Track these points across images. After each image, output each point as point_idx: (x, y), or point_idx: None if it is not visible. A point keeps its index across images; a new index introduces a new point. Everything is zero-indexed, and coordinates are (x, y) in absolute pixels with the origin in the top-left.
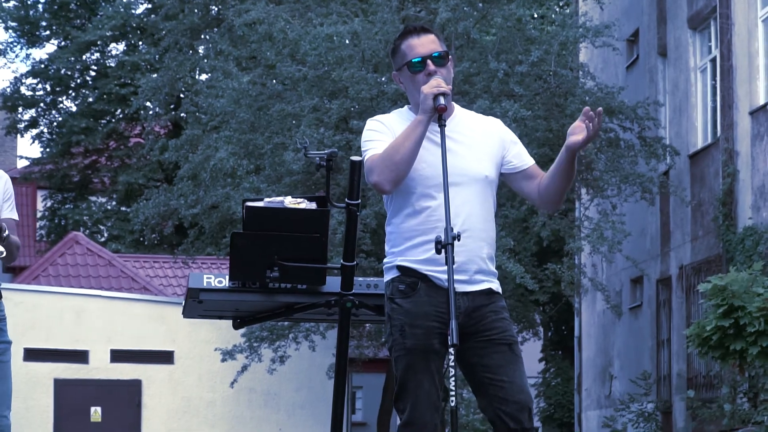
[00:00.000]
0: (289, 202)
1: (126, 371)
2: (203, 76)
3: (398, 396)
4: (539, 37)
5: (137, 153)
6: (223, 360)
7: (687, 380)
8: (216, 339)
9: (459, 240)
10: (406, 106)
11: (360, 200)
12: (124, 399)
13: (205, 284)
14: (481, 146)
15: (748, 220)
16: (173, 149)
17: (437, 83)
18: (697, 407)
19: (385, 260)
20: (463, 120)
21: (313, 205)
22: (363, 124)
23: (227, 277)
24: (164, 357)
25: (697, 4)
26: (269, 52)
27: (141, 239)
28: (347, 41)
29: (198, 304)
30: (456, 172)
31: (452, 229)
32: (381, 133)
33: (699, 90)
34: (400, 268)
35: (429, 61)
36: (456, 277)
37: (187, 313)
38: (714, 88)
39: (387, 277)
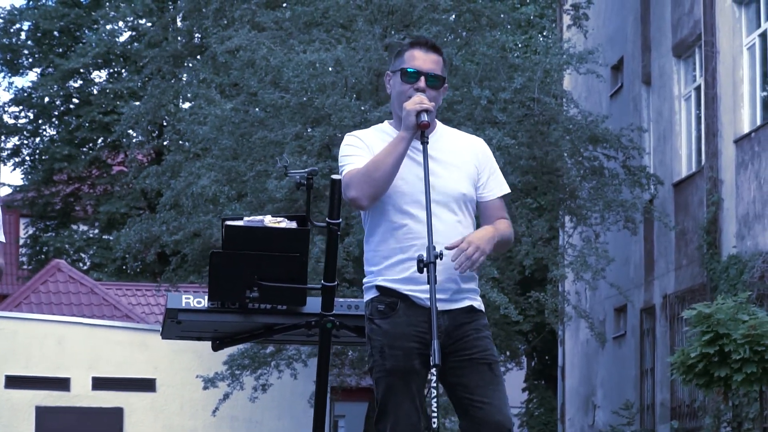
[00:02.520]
0: (269, 221)
1: (108, 399)
2: (186, 104)
3: (379, 417)
4: (522, 64)
5: (120, 181)
6: (205, 388)
7: (671, 409)
8: (198, 366)
9: (441, 258)
10: (386, 121)
11: (341, 219)
12: (106, 427)
13: (183, 305)
14: (459, 164)
15: (733, 248)
16: (154, 176)
17: (420, 100)
18: None
19: (364, 279)
20: (443, 137)
21: (293, 225)
22: None
23: (206, 297)
24: (146, 385)
25: (681, 32)
26: (252, 80)
27: (123, 267)
28: (330, 68)
29: (177, 324)
30: (434, 190)
31: (434, 248)
32: (358, 148)
33: (683, 118)
34: (379, 288)
35: (423, 78)
36: (439, 296)
37: (166, 334)
38: (698, 116)
39: (366, 297)
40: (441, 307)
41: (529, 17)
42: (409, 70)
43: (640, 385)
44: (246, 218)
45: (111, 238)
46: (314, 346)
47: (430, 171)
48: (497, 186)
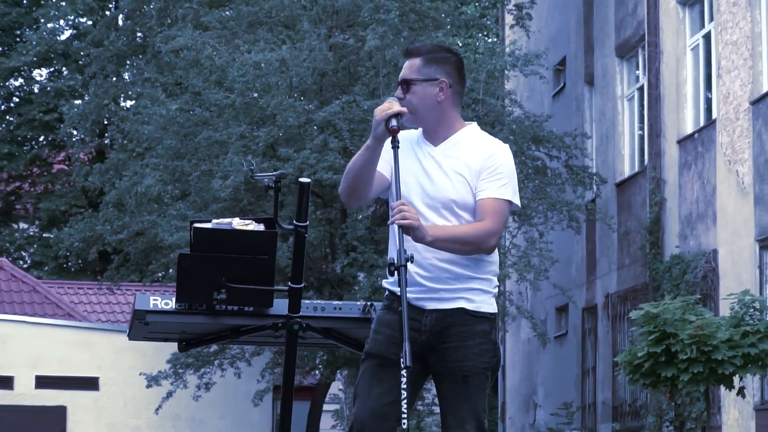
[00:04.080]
0: (237, 223)
1: (51, 397)
2: (128, 103)
3: (353, 401)
4: (467, 65)
5: (61, 179)
6: (149, 386)
7: (612, 409)
8: (141, 365)
9: (412, 261)
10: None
11: (308, 222)
12: (49, 425)
13: (151, 306)
14: (459, 170)
15: (675, 248)
16: (98, 174)
17: (388, 106)
18: None
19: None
20: (462, 142)
21: (261, 227)
22: (290, 151)
23: (174, 298)
24: (89, 383)
25: (625, 33)
26: (196, 79)
27: (64, 265)
28: (275, 68)
29: (144, 326)
30: (422, 194)
31: (405, 251)
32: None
33: (626, 118)
34: (386, 290)
35: (399, 87)
36: (423, 295)
37: (133, 335)
38: (641, 116)
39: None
40: (428, 305)
41: (473, 18)
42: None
43: (582, 385)
44: (214, 221)
45: (51, 236)
46: (258, 346)
47: (429, 174)
48: (490, 188)
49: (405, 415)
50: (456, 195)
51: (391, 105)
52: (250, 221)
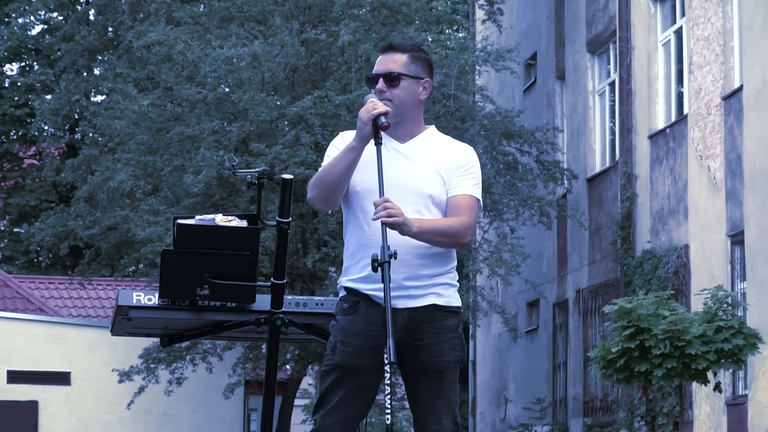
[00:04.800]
0: (220, 219)
1: (23, 392)
2: (99, 98)
3: (317, 407)
4: (439, 60)
5: (31, 174)
6: (120, 381)
7: (583, 404)
8: (113, 360)
9: (396, 258)
10: None
11: (290, 218)
12: (21, 420)
13: (134, 302)
14: (434, 166)
15: (647, 243)
16: (69, 169)
17: (372, 106)
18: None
19: (338, 280)
20: (429, 141)
21: (244, 223)
22: (262, 146)
23: (157, 294)
24: (61, 378)
25: (596, 28)
26: (168, 75)
27: (35, 260)
28: (247, 64)
29: (127, 321)
30: (400, 189)
31: (389, 247)
32: (336, 149)
33: (597, 114)
34: (346, 288)
35: (381, 79)
36: (395, 293)
37: (116, 331)
38: (612, 111)
39: (340, 295)
40: (399, 304)
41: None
42: (369, 76)
43: (553, 380)
44: (197, 217)
45: (22, 231)
46: (231, 341)
47: (400, 169)
48: (464, 186)
49: (388, 411)
50: (433, 190)
51: (375, 104)
52: (233, 217)
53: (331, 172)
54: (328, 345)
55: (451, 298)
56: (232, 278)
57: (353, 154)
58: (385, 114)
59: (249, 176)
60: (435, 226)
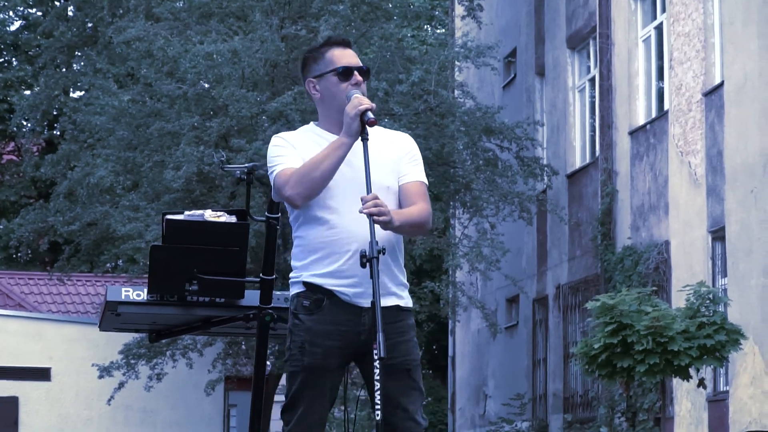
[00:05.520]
0: (209, 215)
1: (3, 388)
2: (77, 93)
3: (286, 408)
4: (420, 57)
5: (10, 170)
6: (101, 377)
7: (563, 400)
8: (93, 356)
9: (384, 254)
10: (312, 122)
11: (279, 214)
12: (1, 416)
13: (123, 297)
14: (384, 158)
15: (627, 239)
16: (49, 164)
17: (359, 101)
18: (575, 428)
19: (291, 274)
20: (373, 135)
21: (233, 219)
22: (243, 142)
23: (145, 290)
24: (41, 374)
25: (576, 24)
26: (148, 70)
27: (14, 256)
28: (224, 59)
29: (116, 317)
30: (360, 183)
31: (377, 243)
32: (285, 148)
33: (577, 110)
34: (305, 284)
35: (356, 72)
36: (359, 290)
37: (104, 326)
38: (592, 107)
39: (292, 291)
40: (365, 303)
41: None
42: (340, 69)
43: (533, 376)
44: (186, 212)
45: (0, 226)
46: (212, 337)
47: (353, 165)
48: (415, 172)
49: (378, 407)
50: (389, 182)
51: (361, 100)
52: (222, 213)
53: (317, 168)
54: (292, 344)
55: (408, 299)
56: (221, 274)
57: (342, 151)
58: (371, 110)
59: (238, 172)
60: (410, 217)
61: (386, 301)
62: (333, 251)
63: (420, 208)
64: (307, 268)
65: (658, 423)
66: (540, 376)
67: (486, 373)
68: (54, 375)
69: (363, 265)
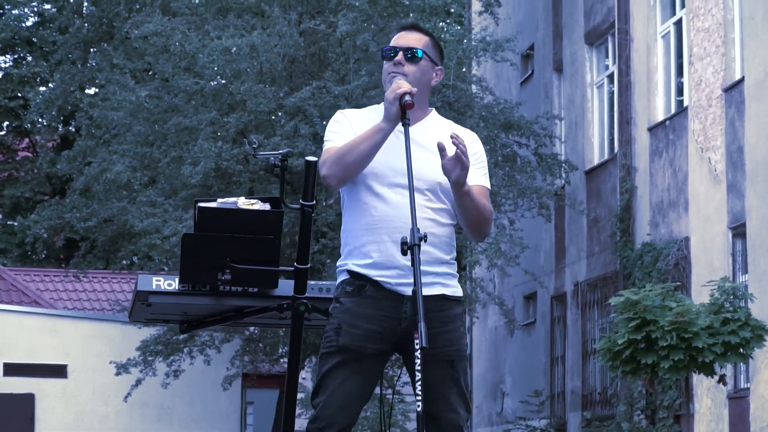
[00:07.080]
0: (243, 203)
1: (19, 385)
2: (92, 90)
3: (315, 391)
4: None
5: (25, 166)
6: (117, 374)
7: (582, 397)
8: (110, 352)
9: (426, 241)
10: (383, 103)
11: (314, 201)
12: (17, 413)
13: (154, 287)
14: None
15: (647, 236)
16: (65, 161)
17: (398, 86)
18: (594, 425)
19: (338, 261)
20: (434, 125)
21: (266, 207)
22: (261, 137)
23: (177, 279)
24: (57, 371)
25: (594, 20)
26: (166, 66)
27: (29, 253)
28: (244, 54)
29: (146, 307)
30: (404, 172)
31: (419, 230)
32: (341, 125)
33: (595, 106)
34: (350, 272)
35: (401, 52)
36: (402, 279)
37: (135, 317)
38: (611, 103)
39: (338, 280)
40: (407, 291)
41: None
42: (386, 48)
43: (550, 373)
44: (219, 200)
45: (15, 223)
46: (228, 333)
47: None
48: (478, 176)
49: (419, 398)
50: (442, 178)
51: (399, 85)
52: (255, 200)
53: (355, 150)
54: (328, 326)
55: (456, 288)
56: (254, 263)
57: (381, 135)
58: (411, 93)
59: (272, 158)
60: (479, 201)
61: (430, 290)
62: (374, 239)
63: (485, 202)
64: (350, 256)
65: (678, 420)
66: (558, 373)
67: (503, 370)
68: (70, 372)
69: (404, 253)
